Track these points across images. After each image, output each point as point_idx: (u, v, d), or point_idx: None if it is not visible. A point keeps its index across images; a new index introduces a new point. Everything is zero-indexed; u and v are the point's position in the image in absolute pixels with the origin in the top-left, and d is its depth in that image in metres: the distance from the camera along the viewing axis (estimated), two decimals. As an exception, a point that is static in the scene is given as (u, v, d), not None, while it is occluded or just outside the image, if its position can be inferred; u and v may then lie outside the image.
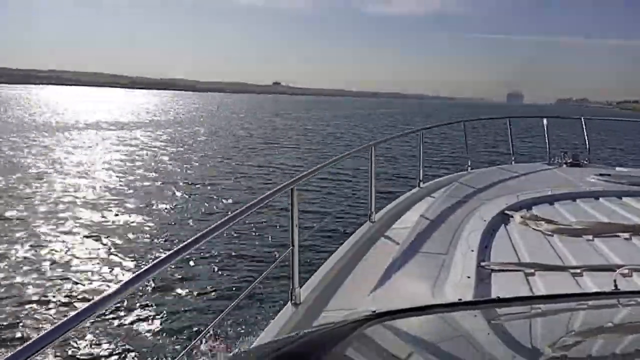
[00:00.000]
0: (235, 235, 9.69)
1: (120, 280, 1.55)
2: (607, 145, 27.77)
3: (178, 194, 14.25)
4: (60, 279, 7.85)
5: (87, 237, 9.98)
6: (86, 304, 1.41)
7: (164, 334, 6.26)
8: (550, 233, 3.86)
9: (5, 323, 6.44)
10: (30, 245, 9.28)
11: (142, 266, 1.68)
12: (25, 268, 8.18)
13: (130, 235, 10.11)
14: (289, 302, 2.85)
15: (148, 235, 10.22)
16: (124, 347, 5.96)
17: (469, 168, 7.46)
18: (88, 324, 5.87)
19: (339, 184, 15.47)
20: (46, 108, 60.31)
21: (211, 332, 5.24)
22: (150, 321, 6.56)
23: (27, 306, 6.85)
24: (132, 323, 6.49)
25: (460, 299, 2.36)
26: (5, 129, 30.96)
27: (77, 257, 8.83)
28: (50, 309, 6.89)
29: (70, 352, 5.71)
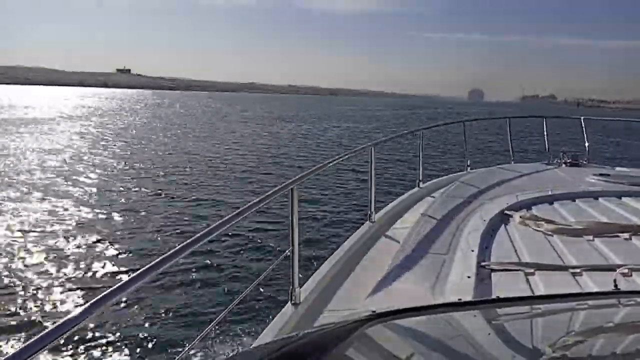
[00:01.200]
0: (235, 235, 9.69)
1: (118, 282, 1.54)
2: (607, 145, 27.76)
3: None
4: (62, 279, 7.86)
5: (83, 236, 9.99)
6: (86, 304, 1.40)
7: (164, 334, 6.26)
8: (550, 233, 3.87)
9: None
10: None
11: (139, 267, 1.67)
12: None
13: (125, 238, 10.10)
14: (289, 302, 2.84)
15: (142, 238, 10.20)
16: (123, 347, 5.96)
17: (469, 168, 7.46)
18: (88, 324, 5.87)
19: (339, 184, 15.48)
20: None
21: (211, 332, 5.26)
22: (149, 321, 6.56)
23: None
24: (131, 323, 6.48)
25: (460, 299, 2.36)
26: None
27: (76, 256, 8.83)
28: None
29: (70, 352, 5.71)
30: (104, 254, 9.07)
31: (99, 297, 1.44)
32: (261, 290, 6.80)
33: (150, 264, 1.67)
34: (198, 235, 1.98)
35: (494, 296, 2.70)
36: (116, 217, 11.51)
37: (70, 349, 5.76)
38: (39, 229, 10.31)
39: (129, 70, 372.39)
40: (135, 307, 6.79)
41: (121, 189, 14.67)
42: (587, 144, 8.16)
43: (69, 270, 8.24)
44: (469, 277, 2.93)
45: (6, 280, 7.72)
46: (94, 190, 14.30)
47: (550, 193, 5.22)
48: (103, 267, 8.47)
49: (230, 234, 9.47)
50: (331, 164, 4.06)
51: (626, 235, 3.78)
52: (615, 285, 2.39)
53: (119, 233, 10.30)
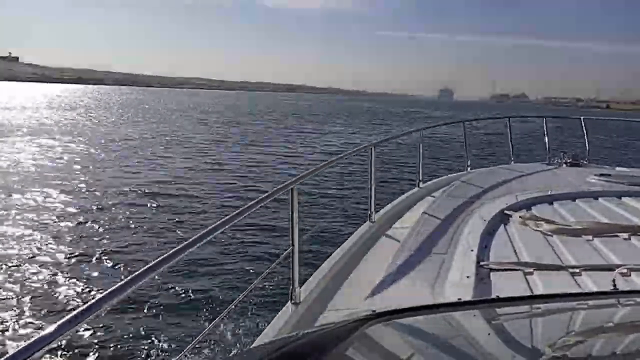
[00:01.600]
0: (235, 235, 9.69)
1: (118, 281, 1.55)
2: (607, 145, 27.77)
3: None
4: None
5: (75, 237, 9.99)
6: (87, 304, 1.41)
7: (164, 334, 6.26)
8: (549, 233, 3.87)
9: None
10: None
11: (138, 268, 1.67)
12: None
13: (125, 239, 10.09)
14: (289, 302, 2.85)
15: (140, 240, 10.18)
16: (123, 347, 5.97)
17: (469, 168, 7.46)
18: (88, 324, 5.87)
19: (339, 184, 15.48)
20: None
21: (211, 331, 5.28)
22: (150, 321, 6.56)
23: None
24: (132, 323, 6.49)
25: (460, 299, 2.36)
26: None
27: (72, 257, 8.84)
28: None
29: (69, 353, 5.71)
30: (105, 255, 9.07)
31: (99, 297, 1.45)
32: (261, 290, 6.80)
33: (150, 264, 1.68)
34: (198, 235, 1.98)
35: (493, 296, 2.70)
36: (115, 217, 11.51)
37: (71, 349, 5.76)
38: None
39: (17, 58, 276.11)
40: (135, 307, 6.79)
41: (117, 191, 14.67)
42: (587, 144, 8.18)
43: (69, 271, 8.26)
44: (468, 277, 2.94)
45: (5, 281, 7.73)
46: (92, 188, 14.30)
47: (550, 193, 5.22)
48: (103, 269, 8.48)
49: (230, 234, 9.47)
50: (331, 164, 4.06)
51: (626, 235, 3.78)
52: (614, 285, 2.40)
53: (118, 234, 10.30)
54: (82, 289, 7.55)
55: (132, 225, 10.82)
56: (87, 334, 6.06)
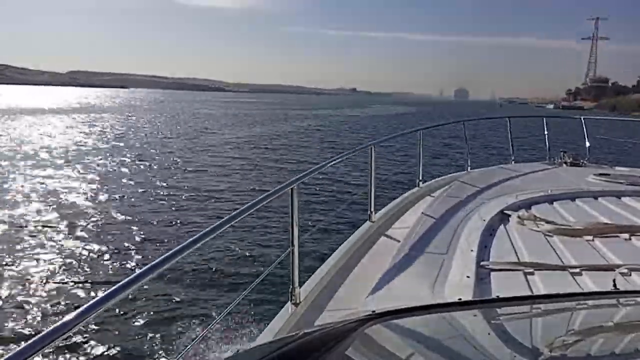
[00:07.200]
0: (235, 235, 9.69)
1: (118, 282, 1.55)
2: (607, 145, 27.73)
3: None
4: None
5: (82, 236, 9.99)
6: (87, 304, 1.40)
7: (164, 335, 6.26)
8: (549, 233, 3.87)
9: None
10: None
11: (138, 268, 1.67)
12: None
13: (124, 239, 10.09)
14: (289, 302, 2.84)
15: (140, 239, 10.18)
16: (123, 348, 5.97)
17: (469, 168, 7.45)
18: (87, 325, 5.87)
19: (339, 184, 15.47)
20: None
21: (211, 332, 5.28)
22: (150, 321, 6.56)
23: None
24: (132, 323, 6.49)
25: (460, 299, 2.36)
26: None
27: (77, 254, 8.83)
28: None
29: (70, 353, 5.71)
30: (105, 254, 9.07)
31: (99, 297, 1.44)
32: (261, 290, 6.79)
33: (150, 265, 1.67)
34: (198, 235, 1.98)
35: (493, 296, 2.70)
36: (114, 217, 11.50)
37: (71, 349, 5.76)
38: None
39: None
40: (136, 307, 6.79)
41: (116, 190, 14.66)
42: (587, 144, 8.18)
43: (68, 271, 8.26)
44: (468, 276, 2.94)
45: (5, 281, 7.73)
46: (90, 188, 14.30)
47: (550, 193, 5.22)
48: (103, 268, 8.48)
49: (230, 233, 9.46)
50: (331, 164, 4.06)
51: (626, 235, 3.79)
52: (615, 285, 2.40)
53: (117, 233, 10.30)
54: (81, 289, 7.55)
55: (131, 225, 10.81)
56: (88, 334, 6.05)
